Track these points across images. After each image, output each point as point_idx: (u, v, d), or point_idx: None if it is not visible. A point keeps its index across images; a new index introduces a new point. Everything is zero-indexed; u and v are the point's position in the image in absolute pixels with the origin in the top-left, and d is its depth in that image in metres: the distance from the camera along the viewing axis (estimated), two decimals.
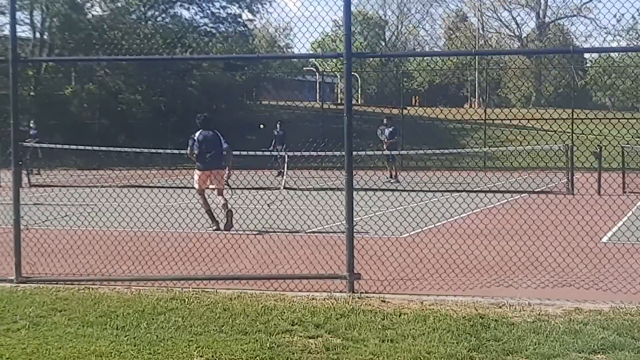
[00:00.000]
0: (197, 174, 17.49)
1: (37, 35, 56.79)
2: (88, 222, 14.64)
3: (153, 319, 8.52)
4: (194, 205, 18.15)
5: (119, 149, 36.57)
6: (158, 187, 25.58)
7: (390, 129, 32.70)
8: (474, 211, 16.29)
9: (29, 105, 49.13)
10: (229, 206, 17.01)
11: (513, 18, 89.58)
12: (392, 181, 30.13)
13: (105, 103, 52.06)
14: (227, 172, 17.97)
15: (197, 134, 17.60)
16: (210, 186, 17.52)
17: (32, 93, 51.86)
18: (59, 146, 34.19)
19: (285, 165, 29.08)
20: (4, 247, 12.81)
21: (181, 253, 12.27)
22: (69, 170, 37.91)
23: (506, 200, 21.28)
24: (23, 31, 55.64)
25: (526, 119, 46.09)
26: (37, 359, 7.13)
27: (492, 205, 16.94)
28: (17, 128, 11.29)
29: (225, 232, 16.11)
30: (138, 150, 34.23)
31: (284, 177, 28.57)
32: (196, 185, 17.54)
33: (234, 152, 25.42)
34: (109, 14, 57.46)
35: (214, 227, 16.82)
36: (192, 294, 9.80)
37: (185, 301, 9.40)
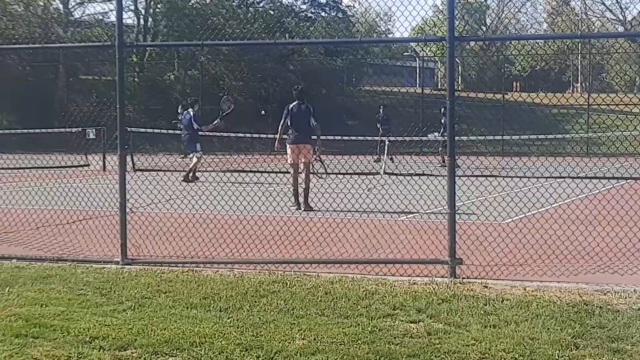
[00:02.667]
0: (288, 147, 17.86)
1: (141, 22, 57.75)
2: (192, 205, 14.83)
3: (255, 302, 8.59)
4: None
5: (219, 134, 37.01)
6: (260, 171, 25.81)
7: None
8: (579, 197, 16.03)
9: (134, 91, 50.02)
10: (309, 188, 17.37)
11: (617, 1, 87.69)
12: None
13: (207, 89, 52.58)
14: (317, 148, 18.32)
15: (293, 104, 17.90)
16: (302, 160, 17.92)
17: (136, 79, 52.76)
18: (163, 131, 34.80)
19: (386, 150, 29.04)
20: (110, 230, 13.06)
21: (283, 237, 12.34)
22: (173, 155, 38.49)
23: (612, 186, 20.87)
24: (129, 17, 56.74)
25: (632, 104, 45.11)
26: (142, 339, 7.25)
27: (598, 191, 16.64)
28: (123, 113, 11.48)
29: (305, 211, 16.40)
30: (240, 135, 34.63)
31: (384, 162, 28.53)
32: (289, 160, 17.89)
33: (337, 137, 25.49)
34: (211, 0, 58.06)
35: (295, 207, 17.17)
36: (294, 277, 9.86)
37: (287, 284, 9.46)
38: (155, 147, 43.03)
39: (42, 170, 22.20)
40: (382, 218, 15.46)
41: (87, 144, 27.28)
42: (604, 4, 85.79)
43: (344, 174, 21.38)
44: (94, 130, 27.21)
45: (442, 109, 32.80)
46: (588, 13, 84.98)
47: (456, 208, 10.34)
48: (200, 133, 25.84)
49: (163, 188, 14.70)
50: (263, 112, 36.84)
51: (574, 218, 13.06)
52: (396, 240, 12.26)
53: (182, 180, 23.85)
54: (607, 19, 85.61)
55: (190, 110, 26.17)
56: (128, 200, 11.62)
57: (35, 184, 20.53)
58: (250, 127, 44.45)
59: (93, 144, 28.55)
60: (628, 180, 21.64)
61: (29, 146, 32.32)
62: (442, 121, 32.17)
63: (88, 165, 28.03)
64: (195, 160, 25.28)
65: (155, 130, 36.10)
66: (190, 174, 24.82)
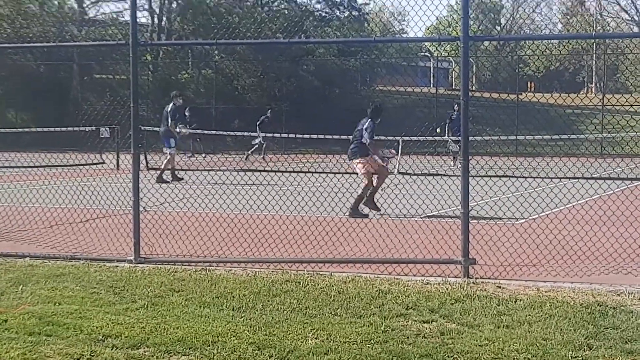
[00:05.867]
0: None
1: (155, 21, 57.90)
2: (205, 204, 14.85)
3: (268, 301, 8.60)
4: (309, 188, 18.25)
5: (234, 133, 37.14)
6: (274, 171, 25.81)
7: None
8: (593, 197, 15.99)
9: (147, 89, 50.11)
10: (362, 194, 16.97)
11: (632, 2, 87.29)
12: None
13: (221, 88, 52.66)
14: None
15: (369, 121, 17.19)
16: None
17: (150, 78, 52.87)
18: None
19: (400, 150, 29.04)
20: (124, 229, 13.09)
21: (296, 236, 12.33)
22: (187, 154, 38.54)
23: (626, 187, 20.81)
24: (144, 16, 56.89)
25: None
26: (155, 338, 7.25)
27: (612, 192, 16.61)
28: (137, 112, 11.49)
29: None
30: (254, 134, 34.69)
31: (397, 162, 28.52)
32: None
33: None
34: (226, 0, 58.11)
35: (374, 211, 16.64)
36: (307, 277, 9.86)
37: (300, 284, 9.46)
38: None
39: (55, 169, 22.24)
40: (395, 218, 15.45)
41: (101, 143, 27.32)
42: (619, 4, 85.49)
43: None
44: (107, 129, 27.22)
45: (455, 106, 32.63)
46: (603, 13, 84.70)
47: (470, 208, 10.33)
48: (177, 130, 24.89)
49: (176, 187, 14.72)
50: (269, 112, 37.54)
51: (587, 219, 13.02)
52: (409, 240, 12.23)
53: (155, 182, 21.62)
54: (622, 19, 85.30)
55: (173, 103, 24.97)
56: (141, 199, 11.64)
57: (49, 182, 20.58)
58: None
59: (107, 143, 28.60)
60: None
61: (43, 144, 32.37)
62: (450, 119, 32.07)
63: (103, 162, 28.07)
64: (168, 157, 24.24)
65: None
66: (164, 174, 23.58)
